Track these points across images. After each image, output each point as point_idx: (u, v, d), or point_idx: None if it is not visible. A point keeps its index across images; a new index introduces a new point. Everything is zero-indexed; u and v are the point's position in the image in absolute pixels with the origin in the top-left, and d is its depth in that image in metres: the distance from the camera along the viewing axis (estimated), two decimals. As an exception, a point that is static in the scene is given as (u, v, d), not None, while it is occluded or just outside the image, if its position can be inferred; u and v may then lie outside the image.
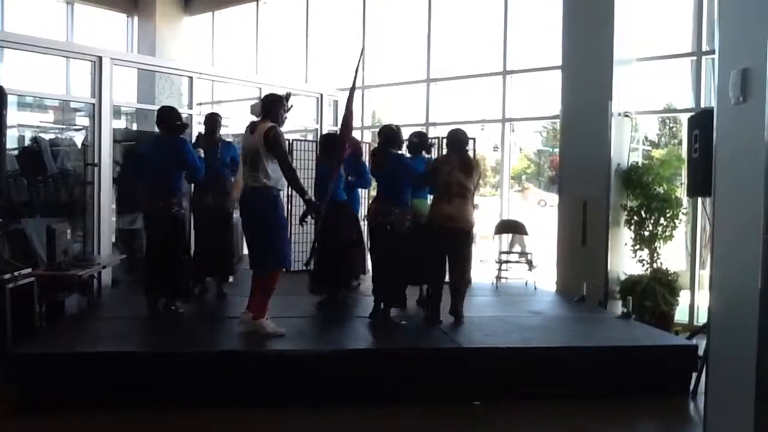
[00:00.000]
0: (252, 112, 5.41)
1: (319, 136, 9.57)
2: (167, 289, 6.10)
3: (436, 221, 5.95)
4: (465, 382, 4.98)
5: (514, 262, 8.55)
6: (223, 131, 7.31)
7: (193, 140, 6.98)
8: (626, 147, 8.04)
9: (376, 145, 6.42)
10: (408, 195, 6.06)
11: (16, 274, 5.52)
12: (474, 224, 6.12)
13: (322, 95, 10.61)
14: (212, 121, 7.08)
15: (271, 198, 5.27)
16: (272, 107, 5.35)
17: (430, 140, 6.98)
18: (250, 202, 5.33)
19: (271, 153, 5.19)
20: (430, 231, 6.01)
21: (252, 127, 5.34)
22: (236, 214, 6.84)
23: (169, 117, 6.13)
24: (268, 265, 5.37)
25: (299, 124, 10.97)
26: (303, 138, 9.95)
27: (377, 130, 6.39)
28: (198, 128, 8.40)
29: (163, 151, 6.04)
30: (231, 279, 7.54)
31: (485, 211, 9.59)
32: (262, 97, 5.57)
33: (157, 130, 6.25)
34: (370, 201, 6.32)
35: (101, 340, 5.35)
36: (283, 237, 5.40)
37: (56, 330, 5.79)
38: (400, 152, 6.25)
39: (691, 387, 5.20)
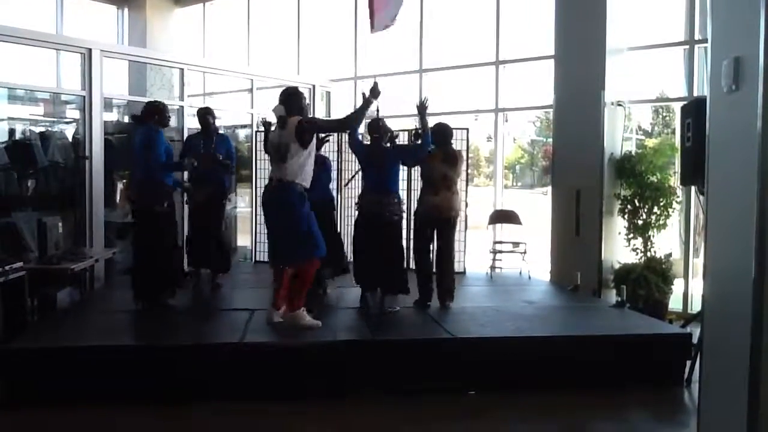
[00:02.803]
0: (276, 114, 5.39)
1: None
2: (156, 284, 6.05)
3: (424, 211, 6.30)
4: (459, 372, 4.99)
5: (507, 251, 8.56)
6: (216, 123, 7.29)
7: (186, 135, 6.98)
8: (619, 136, 8.04)
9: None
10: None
11: (6, 267, 5.49)
12: (459, 212, 6.54)
13: (314, 86, 10.56)
14: (203, 116, 7.06)
15: (297, 192, 5.28)
16: (294, 102, 5.38)
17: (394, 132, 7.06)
18: (277, 196, 5.34)
19: (322, 130, 5.58)
20: (418, 220, 6.40)
21: (282, 123, 5.36)
22: (228, 207, 6.83)
23: (146, 109, 6.15)
24: (301, 257, 5.39)
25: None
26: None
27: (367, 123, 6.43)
28: (190, 120, 8.36)
29: (138, 142, 6.03)
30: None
31: (479, 200, 9.60)
32: (281, 93, 5.51)
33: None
34: (361, 196, 6.33)
35: (93, 333, 5.33)
36: (312, 228, 5.38)
37: (48, 324, 5.77)
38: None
39: (686, 375, 5.22)
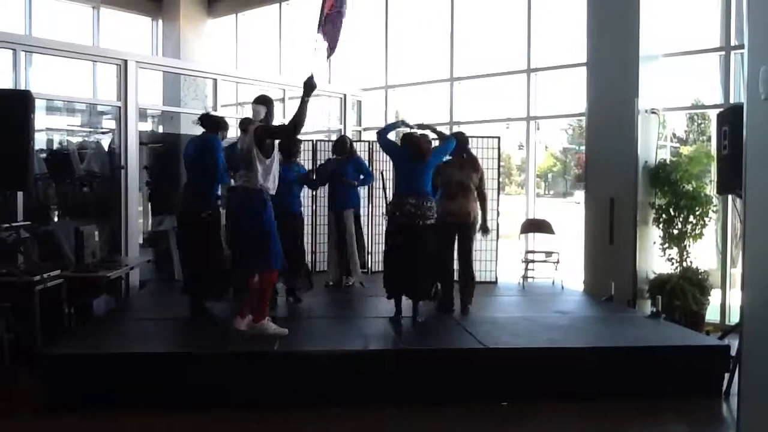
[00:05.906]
0: (254, 114, 5.43)
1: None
2: (201, 289, 6.14)
3: (442, 216, 6.31)
4: (492, 382, 4.95)
5: (540, 261, 8.48)
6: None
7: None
8: (653, 144, 7.93)
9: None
10: None
11: (45, 275, 5.59)
12: (476, 217, 6.52)
13: (345, 95, 10.62)
14: (246, 126, 7.17)
15: (262, 199, 5.28)
16: (270, 107, 5.46)
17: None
18: (243, 202, 5.33)
19: (274, 137, 5.28)
20: (438, 226, 6.32)
21: (244, 128, 5.44)
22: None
23: (208, 118, 6.30)
24: (266, 266, 5.36)
25: (323, 124, 11.02)
26: (327, 138, 9.95)
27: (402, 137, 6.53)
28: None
29: (193, 151, 6.14)
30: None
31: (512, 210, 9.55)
32: (259, 96, 5.58)
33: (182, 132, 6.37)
34: (396, 198, 6.21)
35: (129, 340, 5.40)
36: (276, 237, 5.39)
37: (84, 331, 5.86)
38: None
39: (724, 388, 5.12)
